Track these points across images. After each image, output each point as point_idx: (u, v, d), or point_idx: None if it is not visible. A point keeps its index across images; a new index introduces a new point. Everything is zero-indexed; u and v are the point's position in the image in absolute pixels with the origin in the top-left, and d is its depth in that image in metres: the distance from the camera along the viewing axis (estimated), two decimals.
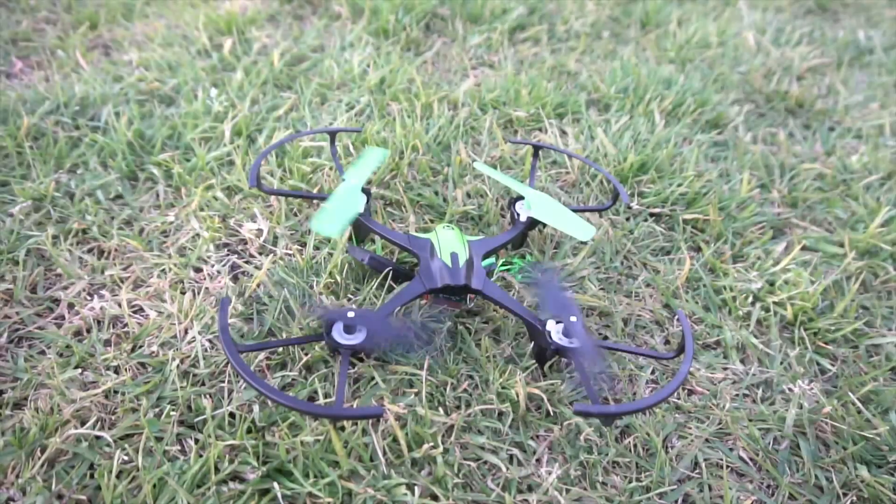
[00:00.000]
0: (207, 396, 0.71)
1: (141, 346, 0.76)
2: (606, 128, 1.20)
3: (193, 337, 0.77)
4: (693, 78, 1.44)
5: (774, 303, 0.90)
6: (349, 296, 0.84)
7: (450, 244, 0.80)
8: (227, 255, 0.90)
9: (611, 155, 1.11)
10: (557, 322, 0.72)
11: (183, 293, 0.83)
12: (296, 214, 0.96)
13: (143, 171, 1.02)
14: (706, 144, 1.23)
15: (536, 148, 1.02)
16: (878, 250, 1.02)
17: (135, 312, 0.80)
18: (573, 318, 0.70)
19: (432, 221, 0.98)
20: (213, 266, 0.87)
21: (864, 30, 1.90)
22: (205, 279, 0.85)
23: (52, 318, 0.80)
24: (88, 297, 0.82)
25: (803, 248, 1.02)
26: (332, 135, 0.97)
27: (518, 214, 0.91)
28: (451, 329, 0.80)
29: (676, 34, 1.66)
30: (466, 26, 1.56)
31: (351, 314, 0.66)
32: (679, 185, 1.07)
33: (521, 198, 0.93)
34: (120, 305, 0.80)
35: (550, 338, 0.71)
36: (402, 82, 1.27)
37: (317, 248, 0.90)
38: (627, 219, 1.03)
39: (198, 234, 0.91)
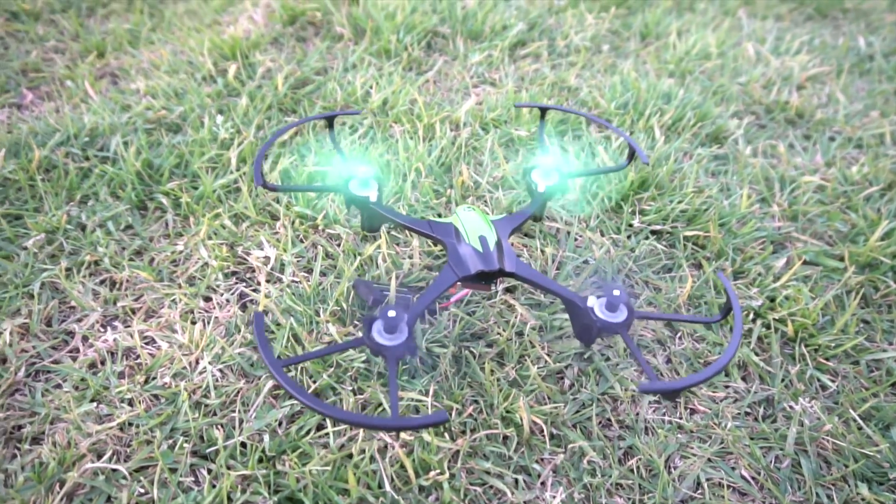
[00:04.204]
0: (219, 427, 0.73)
1: (154, 378, 0.78)
2: (607, 145, 1.22)
3: (204, 367, 0.79)
4: (693, 91, 1.46)
5: (775, 319, 0.92)
6: (355, 322, 0.85)
7: (476, 227, 0.76)
8: (236, 283, 0.92)
9: (611, 174, 1.12)
10: (599, 297, 0.68)
11: (193, 323, 0.85)
12: (301, 241, 0.98)
13: (152, 200, 1.05)
14: (706, 159, 1.24)
15: (543, 110, 0.98)
16: (879, 263, 1.02)
17: (147, 343, 0.82)
18: (616, 292, 0.66)
19: (434, 245, 0.99)
20: (221, 295, 0.89)
21: (864, 36, 1.90)
22: (214, 308, 0.87)
23: (68, 350, 0.82)
24: (102, 329, 0.85)
25: (804, 263, 1.03)
26: (331, 119, 0.93)
27: (536, 185, 0.86)
28: (456, 354, 0.82)
29: (676, 46, 1.67)
30: (467, 44, 1.58)
31: (392, 313, 0.60)
32: (679, 202, 1.08)
33: (534, 168, 0.88)
34: (132, 336, 0.82)
35: (594, 314, 0.67)
36: (405, 104, 1.29)
37: (323, 274, 0.92)
38: (629, 237, 1.04)
39: (206, 263, 0.93)
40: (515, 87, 1.43)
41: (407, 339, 0.60)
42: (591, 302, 0.68)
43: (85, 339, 0.83)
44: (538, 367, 0.82)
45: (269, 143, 0.83)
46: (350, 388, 0.77)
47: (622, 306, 0.66)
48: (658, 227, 1.05)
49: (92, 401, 0.75)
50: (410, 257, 0.96)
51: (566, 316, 0.88)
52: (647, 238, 1.04)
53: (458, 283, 0.72)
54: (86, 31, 1.56)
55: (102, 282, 0.91)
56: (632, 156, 0.89)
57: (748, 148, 1.29)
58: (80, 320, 0.86)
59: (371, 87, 1.36)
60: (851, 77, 1.67)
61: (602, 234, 1.04)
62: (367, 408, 0.77)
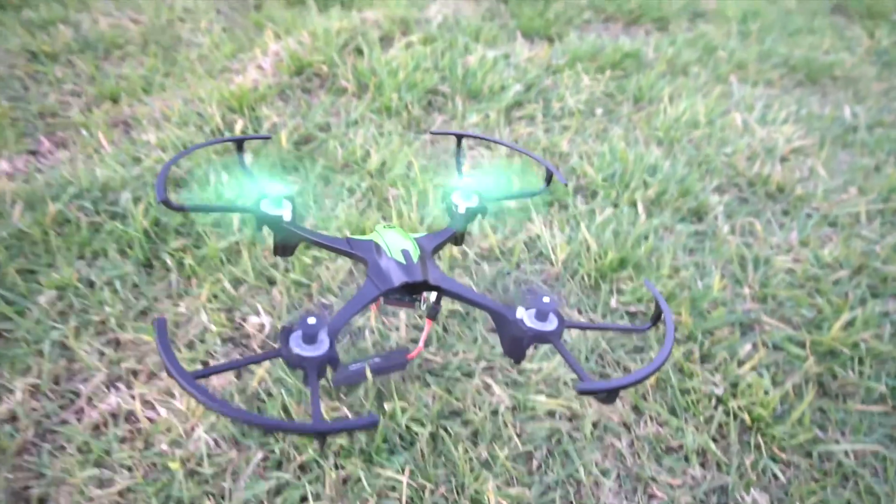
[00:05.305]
0: (210, 497, 0.79)
1: (152, 445, 0.84)
2: (591, 220, 1.28)
3: (199, 436, 0.85)
4: (679, 161, 1.52)
5: (736, 407, 0.98)
6: (341, 395, 0.91)
7: (397, 242, 0.75)
8: (232, 348, 0.98)
9: (592, 251, 1.19)
10: (528, 308, 0.67)
11: None
12: (296, 308, 1.05)
13: (158, 259, 1.11)
14: (685, 235, 1.31)
15: (459, 137, 1.00)
16: (839, 353, 1.09)
17: (147, 408, 0.89)
18: (546, 300, 0.65)
19: (420, 318, 1.05)
20: (219, 360, 0.95)
21: (850, 105, 1.98)
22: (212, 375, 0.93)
23: (73, 411, 0.88)
24: (106, 390, 0.91)
25: (769, 348, 1.10)
26: (240, 143, 0.91)
27: (456, 206, 0.87)
28: (433, 433, 0.88)
29: (667, 111, 1.74)
30: (466, 103, 1.65)
31: (311, 320, 0.57)
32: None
33: (454, 190, 0.89)
34: (134, 399, 0.89)
35: (524, 325, 0.66)
36: (402, 167, 1.36)
37: None
38: (604, 316, 1.10)
39: (206, 328, 1.00)
40: (508, 151, 1.50)
41: (328, 350, 0.57)
42: (520, 313, 0.67)
43: (89, 399, 0.89)
44: (509, 449, 0.88)
45: (173, 160, 0.78)
46: (332, 462, 0.84)
47: (552, 314, 0.66)
48: (633, 309, 1.12)
49: (95, 465, 0.81)
50: (397, 329, 1.02)
51: (541, 398, 0.94)
52: (622, 318, 1.10)
53: (381, 298, 0.70)
54: (101, 74, 1.63)
55: (108, 342, 0.97)
56: (549, 179, 0.90)
57: (727, 225, 1.36)
58: (85, 380, 0.92)
59: (371, 147, 1.43)
60: (834, 149, 1.74)
61: (580, 312, 1.10)
62: (347, 482, 0.82)
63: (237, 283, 1.08)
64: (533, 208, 1.30)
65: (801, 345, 1.10)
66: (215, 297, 1.05)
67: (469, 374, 0.97)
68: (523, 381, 0.97)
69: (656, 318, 0.68)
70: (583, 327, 0.70)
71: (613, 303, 1.12)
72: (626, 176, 1.42)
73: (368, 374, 0.88)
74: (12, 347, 0.94)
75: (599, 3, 2.44)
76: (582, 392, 0.56)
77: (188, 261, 1.09)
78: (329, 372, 0.85)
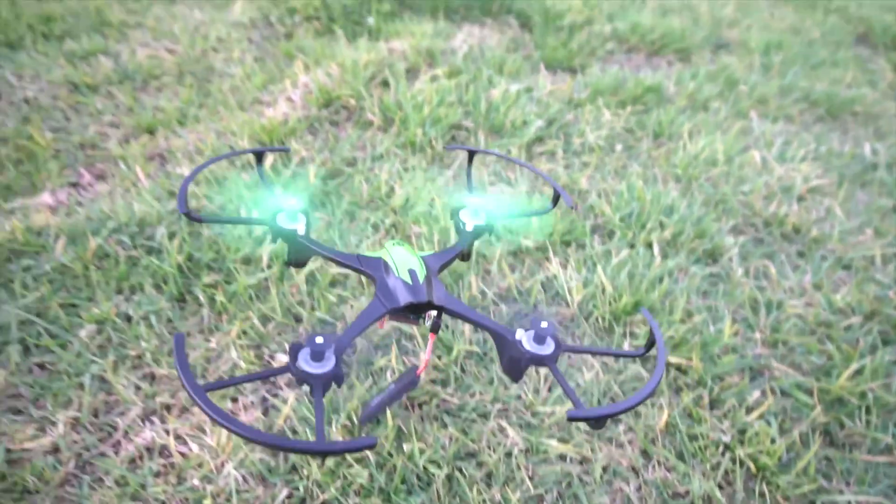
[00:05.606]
0: None
1: (185, 480, 0.89)
2: (607, 262, 1.32)
3: (229, 472, 0.90)
4: (695, 202, 1.56)
5: (742, 455, 1.01)
6: (363, 433, 0.96)
7: (405, 261, 0.77)
8: (260, 385, 1.03)
9: (607, 293, 1.23)
10: (527, 330, 0.69)
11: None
12: None
13: (190, 293, 1.17)
14: (699, 277, 1.34)
15: (471, 153, 1.02)
16: (846, 402, 1.11)
17: (180, 443, 0.94)
18: (544, 324, 0.67)
19: (440, 358, 1.10)
20: (247, 397, 1.01)
21: (871, 142, 1.99)
22: (240, 411, 0.99)
23: (111, 443, 0.94)
24: (141, 424, 0.96)
25: (777, 394, 1.12)
26: (259, 156, 0.94)
27: (464, 224, 0.89)
28: (449, 474, 0.92)
29: (686, 146, 1.77)
30: (489, 138, 1.70)
31: (319, 339, 0.59)
32: (668, 327, 1.18)
33: (462, 207, 0.91)
34: (168, 433, 0.94)
35: (523, 347, 0.68)
36: (424, 205, 1.41)
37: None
38: (616, 360, 1.14)
39: (235, 364, 1.05)
40: (529, 187, 1.54)
41: (334, 367, 0.59)
42: (520, 335, 0.68)
43: (126, 433, 0.95)
44: (521, 492, 0.92)
45: (194, 173, 0.81)
46: (353, 501, 0.88)
47: (549, 338, 0.68)
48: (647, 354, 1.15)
49: (132, 499, 0.86)
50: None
51: (553, 441, 0.98)
52: (633, 362, 1.14)
53: (387, 315, 0.73)
54: (139, 105, 1.70)
55: (144, 376, 1.03)
56: (556, 199, 0.92)
57: (741, 268, 1.39)
58: (122, 413, 0.97)
59: (395, 183, 1.48)
60: (852, 188, 1.76)
61: (593, 355, 1.14)
62: None
63: (265, 319, 1.13)
64: (550, 247, 1.34)
65: (810, 392, 1.13)
66: (244, 333, 1.10)
67: (485, 416, 1.02)
68: (536, 423, 1.01)
69: (650, 345, 0.70)
70: (578, 351, 0.73)
71: (626, 346, 1.16)
72: (643, 216, 1.46)
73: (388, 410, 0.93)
74: (55, 380, 1.00)
75: (623, 34, 2.48)
76: (572, 419, 0.58)
77: (219, 297, 1.14)
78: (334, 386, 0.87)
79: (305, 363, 0.59)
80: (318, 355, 0.58)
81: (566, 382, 0.65)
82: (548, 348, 0.67)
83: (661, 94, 2.04)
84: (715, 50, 2.53)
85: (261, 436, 0.50)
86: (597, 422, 0.61)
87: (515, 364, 0.69)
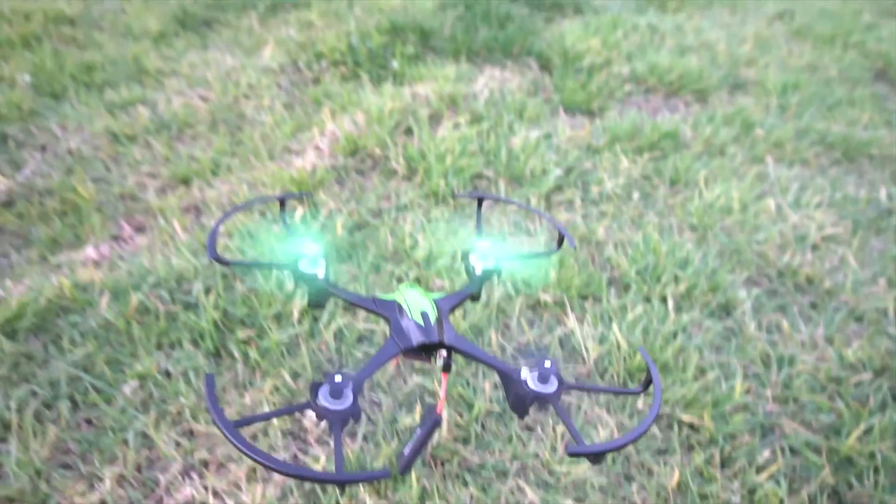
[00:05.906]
0: None
1: None
2: (622, 317, 1.37)
3: None
4: (710, 253, 1.60)
5: None
6: (388, 494, 1.02)
7: (417, 303, 0.81)
8: (292, 441, 1.09)
9: (623, 350, 1.28)
10: (532, 369, 0.72)
11: (255, 482, 1.02)
12: None
13: (225, 349, 1.24)
14: (713, 332, 1.38)
15: (480, 199, 1.07)
16: (855, 462, 1.15)
17: (217, 499, 1.00)
18: (547, 364, 0.71)
19: (461, 416, 1.15)
20: (279, 454, 1.07)
21: (886, 185, 2.02)
22: None
23: (154, 500, 1.00)
24: (181, 480, 1.03)
25: (787, 452, 1.16)
26: (282, 202, 0.98)
27: (473, 268, 0.93)
28: None
29: (702, 194, 1.82)
30: (509, 187, 1.76)
31: (338, 378, 0.62)
32: (681, 385, 1.23)
33: (471, 251, 0.95)
34: (206, 490, 1.00)
35: (527, 386, 0.70)
36: (447, 258, 1.47)
37: (365, 439, 1.09)
38: (631, 416, 1.19)
39: (268, 420, 1.11)
40: (548, 237, 1.60)
41: (352, 405, 0.62)
42: (524, 374, 0.72)
43: (168, 489, 1.01)
44: None
45: (222, 219, 0.84)
46: None
47: (553, 377, 0.71)
48: (660, 412, 1.20)
49: None
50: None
51: (569, 501, 1.03)
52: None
53: (401, 354, 0.77)
54: (174, 154, 1.79)
55: (183, 432, 1.10)
56: (561, 241, 0.96)
57: (754, 322, 1.43)
58: (164, 469, 1.04)
59: (419, 235, 1.54)
60: (867, 235, 1.79)
61: (608, 412, 1.19)
62: None
63: (296, 375, 1.20)
64: (568, 302, 1.39)
65: (819, 451, 1.17)
66: (277, 389, 1.17)
67: (504, 474, 1.07)
68: (553, 482, 1.06)
69: (647, 383, 0.73)
70: (580, 388, 0.77)
71: (640, 404, 1.20)
72: (659, 269, 1.50)
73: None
74: (101, 435, 1.07)
75: (641, 74, 2.53)
76: (572, 454, 0.61)
77: (252, 353, 1.21)
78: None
79: (325, 400, 0.62)
80: (336, 393, 0.62)
81: (569, 419, 0.69)
82: (551, 387, 0.71)
83: (677, 140, 2.09)
84: (732, 91, 2.57)
85: (284, 466, 0.54)
86: (596, 457, 0.65)
87: (520, 402, 0.73)
